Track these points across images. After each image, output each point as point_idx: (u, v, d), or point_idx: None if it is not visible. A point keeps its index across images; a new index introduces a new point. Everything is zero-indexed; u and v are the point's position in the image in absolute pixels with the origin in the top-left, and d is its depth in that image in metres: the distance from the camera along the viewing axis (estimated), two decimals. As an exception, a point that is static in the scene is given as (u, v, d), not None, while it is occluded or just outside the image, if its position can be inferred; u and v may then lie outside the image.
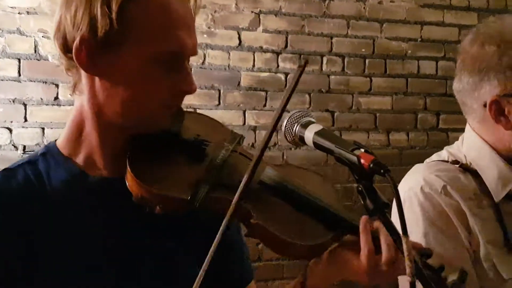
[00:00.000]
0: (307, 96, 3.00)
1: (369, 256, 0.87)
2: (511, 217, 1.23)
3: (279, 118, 0.82)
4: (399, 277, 1.00)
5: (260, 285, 1.22)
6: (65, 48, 0.92)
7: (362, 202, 0.85)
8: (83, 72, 0.94)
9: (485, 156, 1.29)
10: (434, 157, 1.39)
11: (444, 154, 1.37)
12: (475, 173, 1.27)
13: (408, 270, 0.65)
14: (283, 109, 0.82)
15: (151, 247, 0.98)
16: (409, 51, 3.21)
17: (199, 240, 0.99)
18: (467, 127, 1.37)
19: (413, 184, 1.27)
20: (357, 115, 3.10)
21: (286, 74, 2.97)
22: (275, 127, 0.82)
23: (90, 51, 0.89)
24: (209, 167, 0.96)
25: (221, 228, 0.72)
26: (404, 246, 0.68)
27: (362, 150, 0.86)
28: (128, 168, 0.93)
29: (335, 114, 3.06)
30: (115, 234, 0.97)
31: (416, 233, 1.22)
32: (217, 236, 0.72)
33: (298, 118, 0.98)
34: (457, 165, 1.29)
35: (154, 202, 0.91)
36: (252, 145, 2.85)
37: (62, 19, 0.91)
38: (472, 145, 1.32)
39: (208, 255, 0.70)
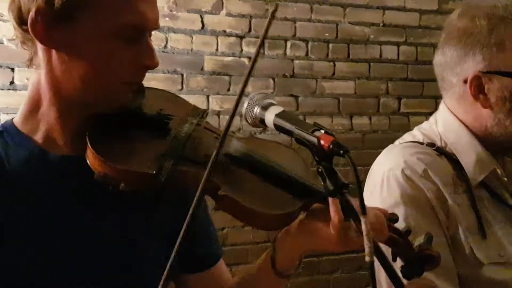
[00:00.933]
0: (271, 80, 3.00)
1: (339, 224, 0.87)
2: (484, 203, 1.24)
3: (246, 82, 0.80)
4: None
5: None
6: (20, 20, 0.89)
7: (322, 183, 0.85)
8: (39, 45, 0.91)
9: (463, 140, 1.27)
10: (407, 137, 1.36)
11: (418, 135, 1.34)
12: (451, 156, 1.26)
13: (366, 250, 0.66)
14: (250, 72, 0.80)
15: (115, 227, 0.97)
16: (372, 36, 3.24)
17: (165, 219, 0.99)
18: (442, 107, 1.34)
19: (393, 166, 1.24)
20: (321, 99, 3.12)
21: (250, 59, 2.95)
22: (243, 92, 0.80)
23: (47, 22, 0.87)
24: (173, 141, 0.95)
25: (192, 204, 0.70)
26: (363, 226, 0.68)
27: (322, 131, 0.85)
28: (89, 145, 0.90)
29: (299, 98, 3.07)
30: (77, 214, 0.94)
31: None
32: (189, 214, 0.70)
33: (258, 100, 0.97)
34: (433, 148, 1.27)
35: (118, 179, 0.89)
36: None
37: None
38: (449, 127, 1.30)
39: (180, 235, 0.69)
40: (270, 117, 0.94)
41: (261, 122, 0.97)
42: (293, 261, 0.99)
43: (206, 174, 0.73)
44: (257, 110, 0.96)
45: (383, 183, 1.25)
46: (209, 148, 0.85)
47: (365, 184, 1.32)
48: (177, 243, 0.68)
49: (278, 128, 0.93)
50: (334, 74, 3.15)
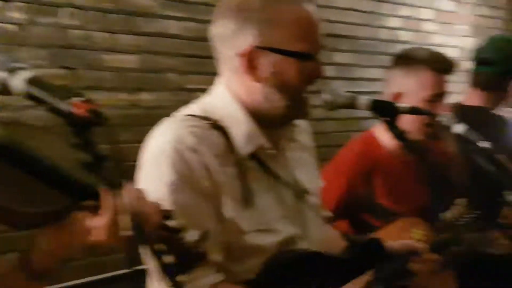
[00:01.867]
0: (43, 51, 2.72)
1: (109, 217, 0.82)
2: (252, 174, 1.30)
3: None
4: None
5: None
6: None
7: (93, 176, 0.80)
8: None
9: (234, 114, 1.31)
10: (184, 111, 1.36)
11: (193, 109, 1.35)
12: (222, 129, 1.29)
13: (122, 224, 0.61)
14: None
15: None
16: (157, 10, 3.16)
17: None
18: (217, 82, 1.37)
19: (163, 140, 1.24)
20: (102, 73, 2.94)
21: (17, 26, 2.62)
22: None
23: None
24: None
25: None
26: (119, 200, 0.63)
27: (80, 99, 0.79)
28: None
29: (77, 71, 2.85)
30: None
31: (163, 191, 1.19)
32: None
33: (4, 63, 0.85)
34: (206, 122, 1.29)
35: None
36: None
37: None
38: (222, 100, 1.33)
39: None
40: (18, 83, 0.84)
41: (8, 89, 0.85)
42: (54, 260, 0.91)
43: None
44: (2, 74, 0.84)
45: (154, 158, 1.24)
46: None
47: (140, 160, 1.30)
48: None
49: (29, 96, 0.83)
50: (115, 46, 3.00)
